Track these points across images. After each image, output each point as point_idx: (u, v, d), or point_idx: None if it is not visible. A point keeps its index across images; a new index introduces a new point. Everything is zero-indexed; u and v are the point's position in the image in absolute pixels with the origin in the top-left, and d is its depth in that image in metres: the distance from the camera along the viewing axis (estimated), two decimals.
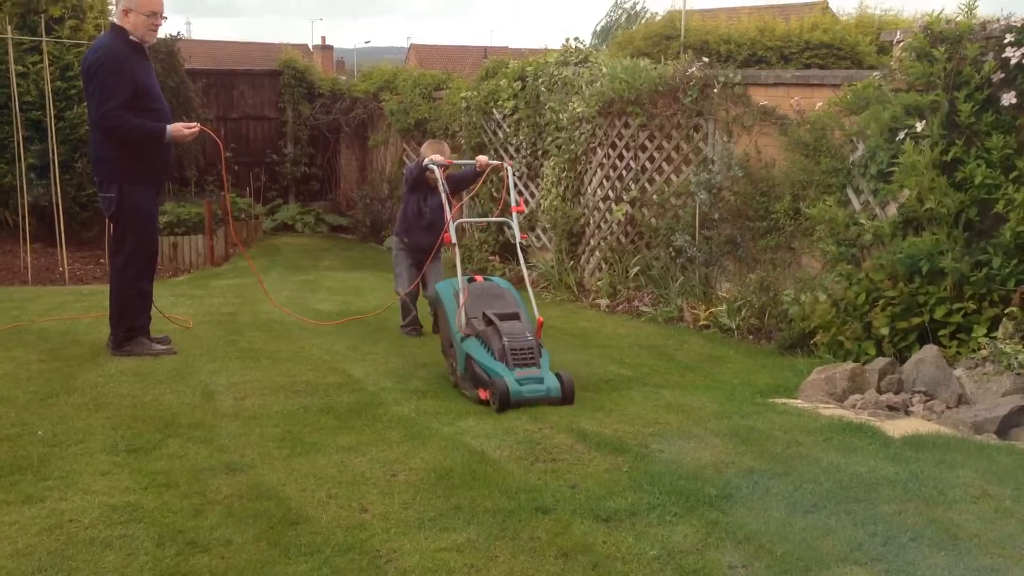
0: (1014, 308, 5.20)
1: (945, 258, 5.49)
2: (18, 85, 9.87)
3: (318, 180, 15.86)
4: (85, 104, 6.67)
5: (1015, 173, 5.39)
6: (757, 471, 3.82)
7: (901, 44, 6.13)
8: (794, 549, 3.10)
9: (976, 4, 5.90)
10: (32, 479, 3.75)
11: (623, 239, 8.64)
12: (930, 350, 5.19)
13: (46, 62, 10.02)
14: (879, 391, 5.14)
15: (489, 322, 5.14)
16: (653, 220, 8.27)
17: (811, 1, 21.27)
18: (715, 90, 7.63)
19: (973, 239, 5.61)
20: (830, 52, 10.60)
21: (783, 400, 5.11)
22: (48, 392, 5.02)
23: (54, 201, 9.84)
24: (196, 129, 5.83)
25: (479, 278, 5.63)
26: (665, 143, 8.24)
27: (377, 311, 7.25)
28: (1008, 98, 5.43)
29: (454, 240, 5.60)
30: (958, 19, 5.86)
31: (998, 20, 5.68)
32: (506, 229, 9.50)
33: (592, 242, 9.06)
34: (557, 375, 4.93)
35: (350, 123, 14.84)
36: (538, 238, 9.89)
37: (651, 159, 8.38)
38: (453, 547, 3.15)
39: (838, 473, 3.79)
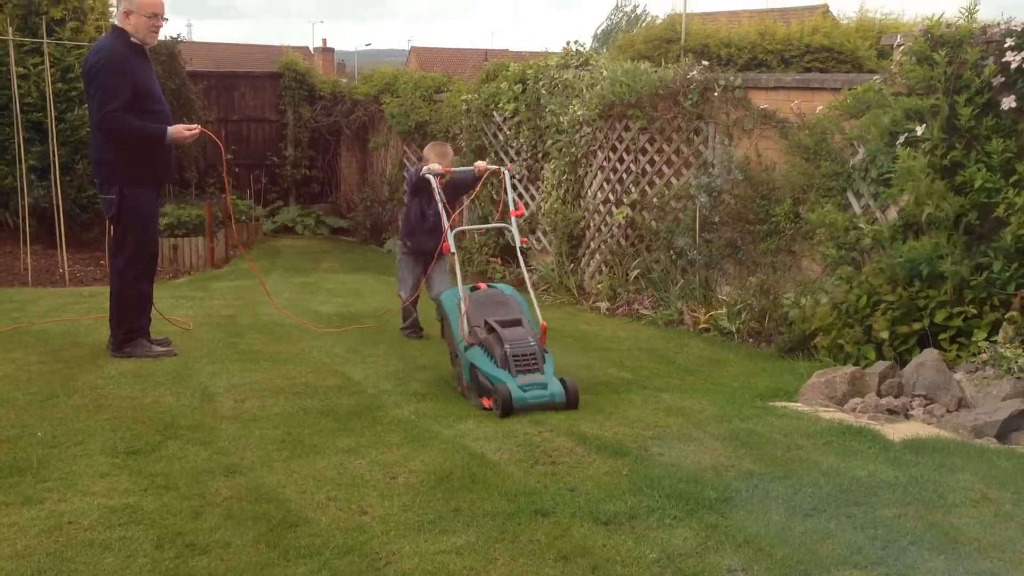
0: (1014, 312, 5.20)
1: (945, 262, 5.49)
2: (19, 87, 9.88)
3: (318, 182, 15.87)
4: (86, 106, 6.66)
5: (1015, 177, 5.39)
6: (757, 474, 3.82)
7: (901, 48, 6.13)
8: (794, 553, 3.10)
9: (976, 8, 5.90)
10: (31, 481, 3.75)
11: (623, 242, 8.64)
12: (930, 354, 5.19)
13: (47, 64, 10.03)
14: (879, 395, 5.14)
15: (491, 329, 5.11)
16: (653, 223, 8.27)
17: (812, 5, 21.31)
18: (715, 93, 7.63)
19: (973, 243, 5.61)
20: (830, 56, 10.61)
21: (783, 403, 5.10)
22: (48, 394, 5.01)
23: (54, 203, 9.84)
24: (197, 131, 5.83)
25: (482, 286, 5.60)
26: (665, 146, 8.24)
27: (380, 318, 7.22)
28: (1008, 102, 5.43)
29: (453, 249, 5.59)
30: (958, 23, 5.87)
31: (998, 24, 5.68)
32: (506, 232, 9.50)
33: (592, 245, 9.06)
34: (561, 380, 4.90)
35: (351, 125, 14.86)
36: (538, 241, 9.90)
37: (651, 162, 8.39)
38: (452, 550, 3.15)
39: (838, 477, 3.78)
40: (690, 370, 6.10)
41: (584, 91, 8.92)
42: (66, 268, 9.93)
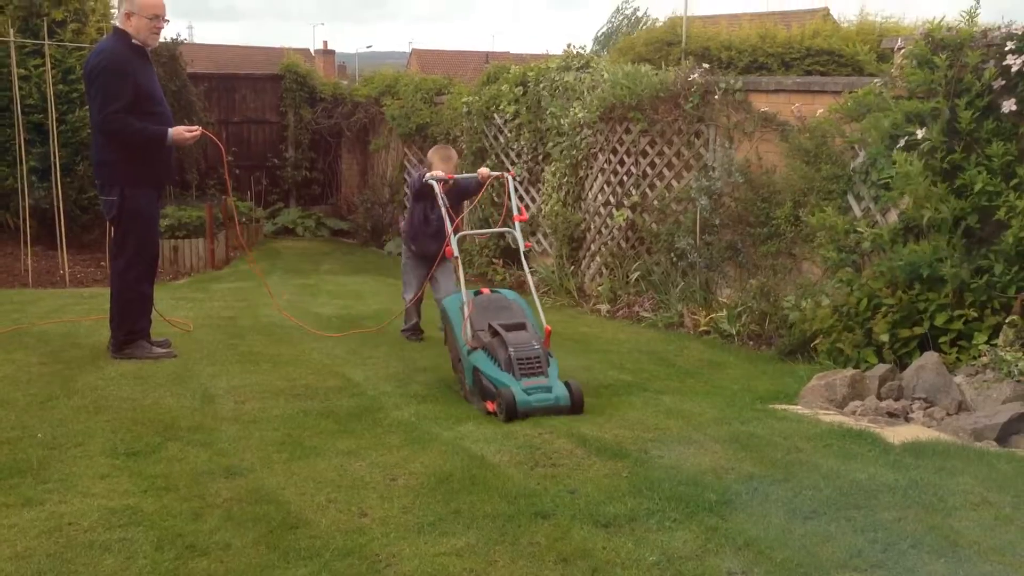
0: (1015, 316, 5.20)
1: (945, 265, 5.50)
2: (20, 88, 9.89)
3: (319, 184, 15.87)
4: (87, 107, 6.67)
5: (1016, 180, 5.40)
6: (757, 477, 3.82)
7: (902, 51, 6.14)
8: (793, 555, 3.09)
9: (977, 12, 5.92)
10: (31, 482, 3.75)
11: (624, 244, 8.64)
12: (930, 357, 5.19)
13: (48, 65, 10.04)
14: (879, 397, 5.14)
15: (495, 333, 5.07)
16: (654, 226, 8.27)
17: (812, 8, 21.31)
18: (716, 96, 7.64)
19: (974, 246, 5.61)
20: (831, 59, 10.61)
21: (783, 406, 5.10)
22: (48, 395, 5.02)
23: (55, 204, 9.85)
24: (197, 132, 5.84)
25: (485, 290, 5.59)
26: (666, 149, 8.25)
27: (386, 321, 7.21)
28: (1008, 105, 5.43)
29: (456, 253, 5.59)
30: (959, 27, 5.88)
31: (999, 28, 5.69)
32: (508, 236, 9.51)
33: (593, 247, 9.06)
34: (566, 383, 4.86)
35: (351, 127, 14.86)
36: (539, 243, 9.90)
37: (652, 165, 8.39)
38: (452, 552, 3.15)
39: (838, 479, 3.78)
40: (690, 373, 6.10)
41: (585, 93, 8.93)
42: (66, 269, 9.93)
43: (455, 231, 5.77)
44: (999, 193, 5.44)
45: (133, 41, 5.66)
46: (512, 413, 4.65)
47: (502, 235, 10.05)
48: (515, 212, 5.79)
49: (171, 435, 4.38)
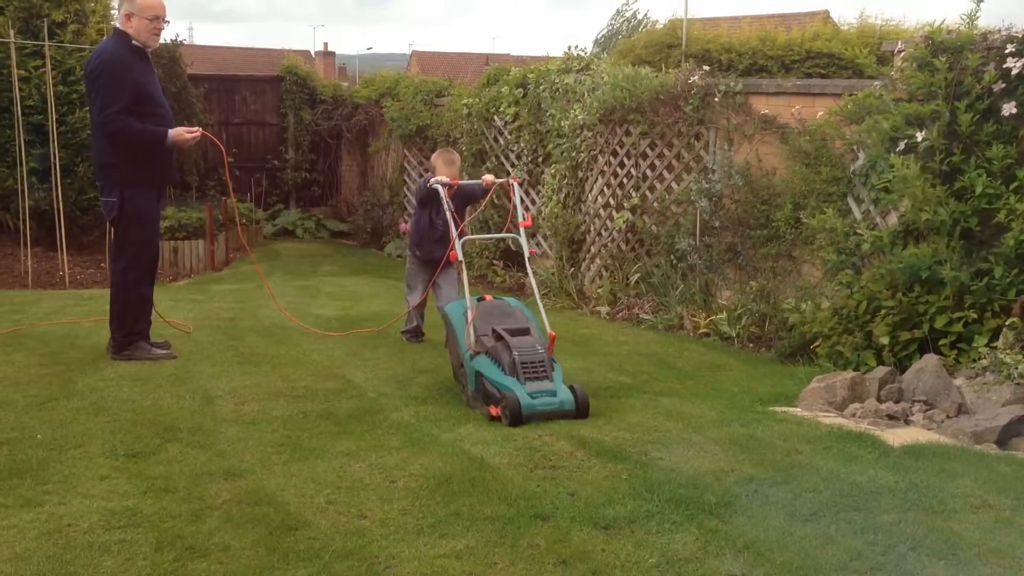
0: (1015, 318, 5.20)
1: (945, 268, 5.50)
2: (20, 89, 9.88)
3: (319, 186, 15.88)
4: (87, 108, 6.68)
5: (1016, 183, 5.40)
6: (757, 479, 3.82)
7: (902, 54, 6.14)
8: (793, 558, 3.09)
9: (977, 15, 5.92)
10: (31, 483, 3.75)
11: (624, 246, 8.65)
12: (930, 359, 5.19)
13: (48, 66, 10.03)
14: (879, 400, 5.14)
15: (499, 337, 5.04)
16: (654, 228, 8.27)
17: (813, 11, 21.34)
18: (716, 99, 7.64)
19: (974, 249, 5.61)
20: (831, 61, 10.62)
21: (783, 408, 5.10)
22: (47, 396, 5.02)
23: (55, 205, 9.84)
24: (198, 133, 5.84)
25: (488, 297, 5.57)
26: (666, 151, 8.25)
27: (387, 323, 7.21)
28: (1009, 108, 5.44)
29: (460, 257, 5.58)
30: (959, 29, 5.88)
31: (999, 31, 5.70)
32: (510, 241, 9.49)
33: (593, 249, 9.07)
34: (571, 388, 4.83)
35: (351, 129, 14.87)
36: (539, 245, 9.90)
37: (652, 167, 8.40)
38: (452, 554, 3.15)
39: (838, 482, 3.78)
40: (690, 375, 6.10)
41: (585, 95, 8.93)
42: (66, 270, 9.93)
43: (459, 236, 5.76)
44: (999, 196, 5.45)
45: (133, 42, 5.66)
46: (517, 417, 4.61)
47: (503, 237, 10.05)
48: (520, 218, 5.78)
49: (171, 436, 4.38)
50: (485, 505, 3.54)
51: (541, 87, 9.65)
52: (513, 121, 10.11)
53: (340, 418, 4.75)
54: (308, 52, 39.52)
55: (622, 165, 8.64)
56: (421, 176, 12.46)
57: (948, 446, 4.30)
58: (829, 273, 6.52)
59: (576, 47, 10.29)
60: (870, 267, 6.16)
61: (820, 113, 6.78)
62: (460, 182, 6.42)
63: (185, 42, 14.82)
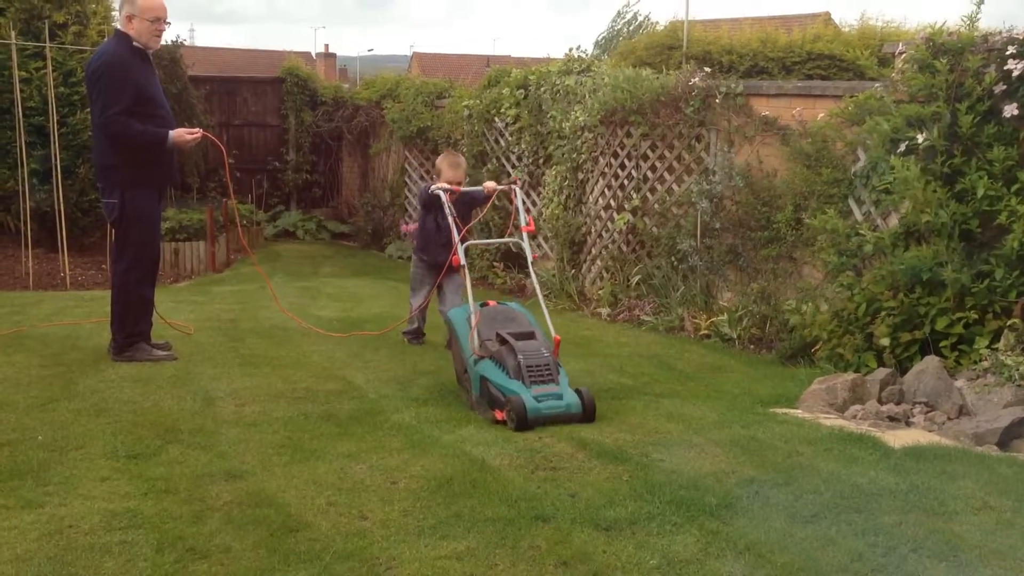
0: (1016, 320, 5.20)
1: (946, 269, 5.50)
2: (21, 91, 9.89)
3: (320, 187, 15.88)
4: (88, 110, 6.68)
5: (1017, 185, 5.40)
6: (757, 481, 3.81)
7: (903, 56, 6.14)
8: (794, 559, 3.09)
9: (978, 16, 5.92)
10: (32, 484, 3.75)
11: (624, 248, 8.65)
12: (931, 361, 5.19)
13: (49, 68, 10.04)
14: (880, 402, 5.14)
15: (503, 341, 5.00)
16: (655, 229, 8.27)
17: (814, 12, 21.35)
18: (717, 100, 7.64)
19: (975, 250, 5.61)
20: (832, 63, 10.63)
21: (784, 410, 5.10)
22: (48, 397, 5.02)
23: (56, 206, 9.85)
24: (198, 135, 5.84)
25: (492, 302, 5.56)
26: (667, 153, 8.25)
27: (389, 325, 7.21)
28: (1010, 110, 5.43)
29: (463, 262, 5.56)
30: (960, 31, 5.88)
31: (1000, 32, 5.70)
32: (512, 246, 9.50)
33: (593, 251, 9.07)
34: (577, 391, 4.79)
35: (352, 131, 14.88)
36: (540, 246, 9.90)
37: (653, 168, 8.40)
38: (453, 555, 3.15)
39: (838, 483, 3.78)
40: (691, 376, 6.10)
41: (586, 97, 8.93)
42: (67, 272, 9.93)
43: (462, 240, 5.75)
44: (1000, 198, 5.45)
45: (134, 44, 5.67)
46: (523, 421, 4.56)
47: (506, 242, 10.05)
48: (523, 223, 5.77)
49: (172, 438, 4.38)
50: (486, 506, 3.54)
51: (542, 89, 9.65)
52: (514, 123, 10.11)
53: (341, 420, 4.75)
54: (309, 53, 39.57)
55: (623, 167, 8.64)
56: (423, 178, 12.53)
57: (949, 448, 4.30)
58: (830, 275, 6.51)
59: (577, 49, 10.31)
60: (871, 268, 6.16)
61: (821, 115, 6.78)
62: (462, 189, 6.41)
63: (186, 43, 14.83)
